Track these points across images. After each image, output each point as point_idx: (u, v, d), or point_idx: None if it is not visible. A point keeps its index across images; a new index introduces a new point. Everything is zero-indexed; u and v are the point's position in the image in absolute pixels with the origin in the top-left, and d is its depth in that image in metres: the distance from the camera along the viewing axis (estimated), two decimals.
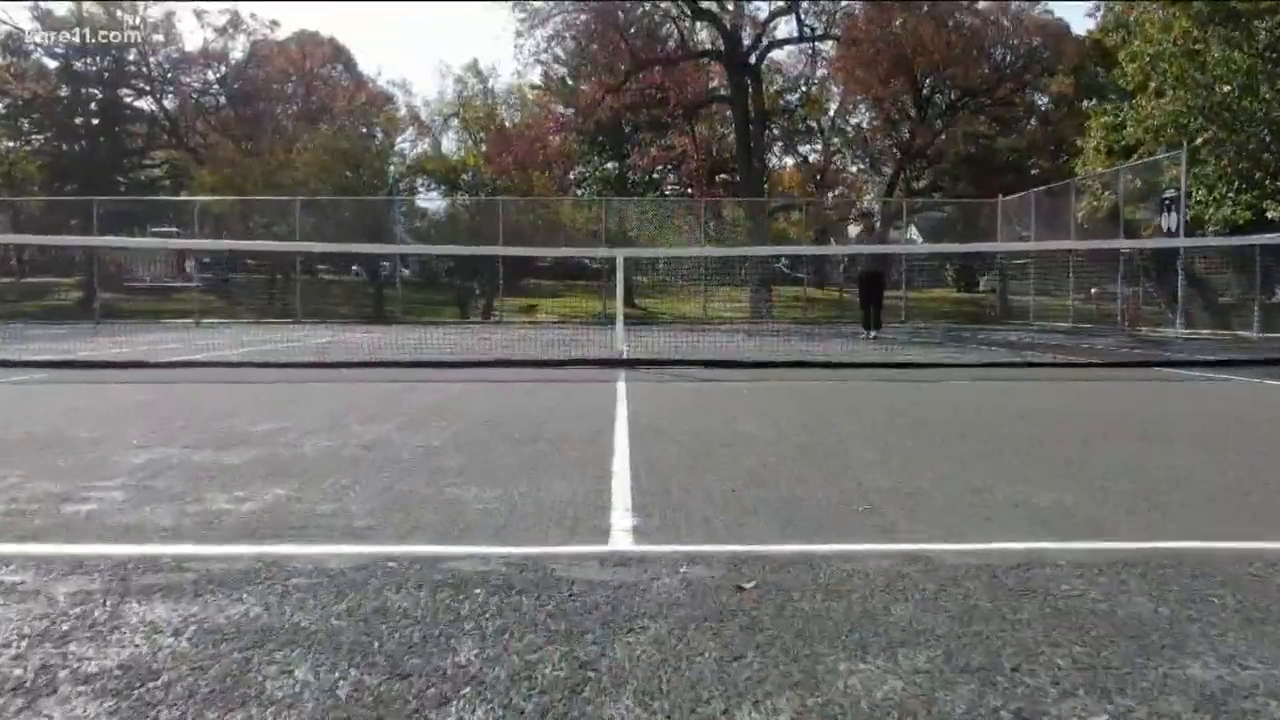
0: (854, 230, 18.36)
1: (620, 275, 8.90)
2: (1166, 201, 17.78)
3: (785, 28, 28.97)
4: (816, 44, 28.53)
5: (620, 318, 9.30)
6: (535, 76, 36.38)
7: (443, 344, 11.96)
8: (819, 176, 44.35)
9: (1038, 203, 23.26)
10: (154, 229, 24.23)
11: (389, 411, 5.52)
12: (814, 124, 42.94)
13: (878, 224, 23.22)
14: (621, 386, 6.97)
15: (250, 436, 4.56)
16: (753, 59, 26.36)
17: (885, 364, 9.17)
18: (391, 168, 33.59)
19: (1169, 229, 17.45)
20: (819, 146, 44.13)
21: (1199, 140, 18.30)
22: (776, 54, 31.96)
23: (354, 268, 33.25)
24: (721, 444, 4.33)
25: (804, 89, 36.90)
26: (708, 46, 29.75)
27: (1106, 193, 23.93)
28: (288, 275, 26.62)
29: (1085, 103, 28.15)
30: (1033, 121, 41.29)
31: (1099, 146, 27.17)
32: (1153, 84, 22.20)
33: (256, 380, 7.55)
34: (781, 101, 36.21)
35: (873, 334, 14.41)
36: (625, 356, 9.03)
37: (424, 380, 7.49)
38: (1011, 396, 6.62)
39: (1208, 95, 20.60)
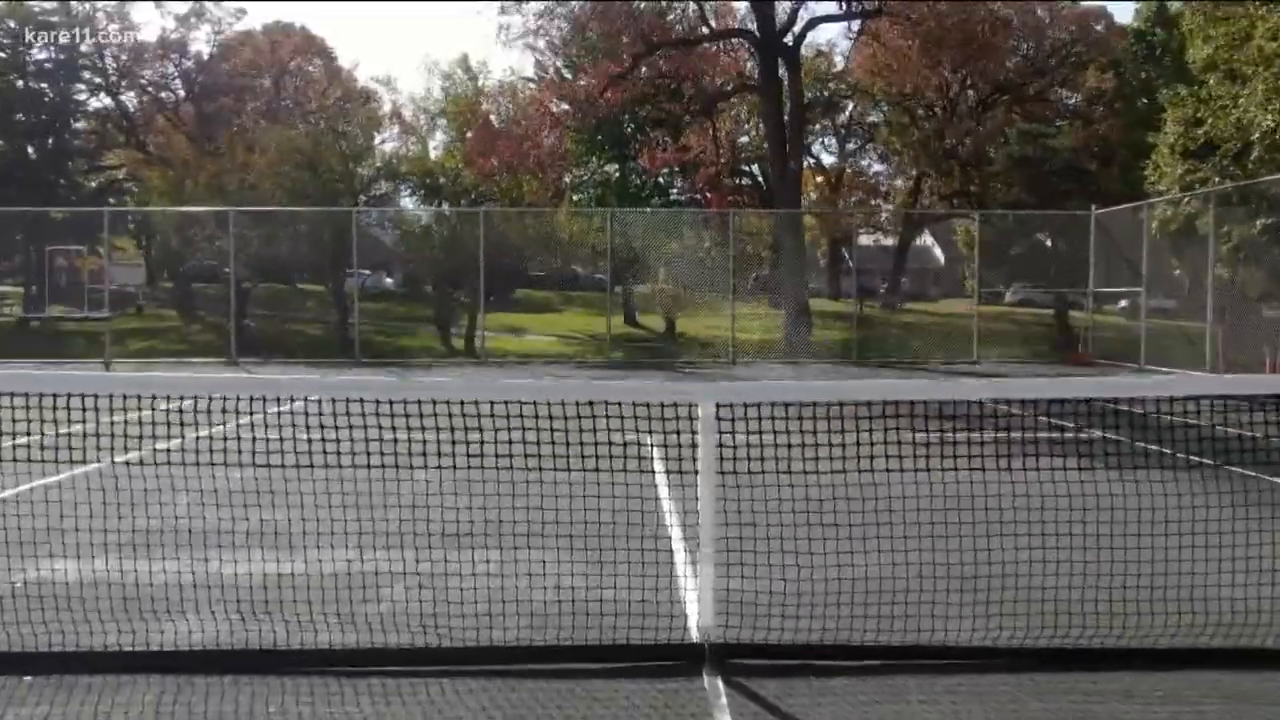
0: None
1: (709, 454, 3.17)
2: None
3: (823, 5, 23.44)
4: (860, 22, 22.65)
5: (709, 571, 3.48)
6: (527, 67, 30.59)
7: (362, 483, 5.04)
8: (834, 180, 38.92)
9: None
10: (51, 248, 18.18)
11: None
12: (829, 122, 37.43)
13: None
14: None
15: None
16: (789, 39, 20.54)
17: None
18: (362, 170, 27.72)
19: None
20: (834, 146, 38.68)
21: None
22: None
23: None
24: None
25: (833, 84, 31.27)
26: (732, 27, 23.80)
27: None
28: (227, 292, 20.15)
29: (1164, 90, 23.05)
30: (1061, 122, 35.95)
31: (1175, 145, 22.24)
32: None
33: None
34: (813, 95, 30.49)
35: None
36: (711, 640, 3.35)
37: None
38: None
39: None
